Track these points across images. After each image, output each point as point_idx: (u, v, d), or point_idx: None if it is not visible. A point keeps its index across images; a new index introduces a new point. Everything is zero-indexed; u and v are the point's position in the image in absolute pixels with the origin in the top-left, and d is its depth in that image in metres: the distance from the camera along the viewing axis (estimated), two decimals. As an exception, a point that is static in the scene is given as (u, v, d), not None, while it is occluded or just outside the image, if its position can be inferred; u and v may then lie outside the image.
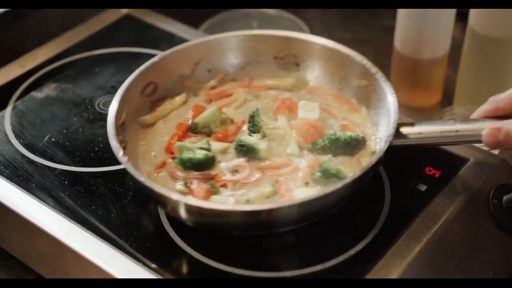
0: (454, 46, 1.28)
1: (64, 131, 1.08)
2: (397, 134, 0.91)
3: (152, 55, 1.23)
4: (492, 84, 1.22)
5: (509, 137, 0.85)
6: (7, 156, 1.04)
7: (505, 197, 0.96)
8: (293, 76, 1.10)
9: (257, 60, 1.11)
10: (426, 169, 0.99)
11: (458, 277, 0.89)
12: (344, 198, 0.89)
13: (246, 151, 0.97)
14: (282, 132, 1.01)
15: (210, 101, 1.08)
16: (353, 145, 0.97)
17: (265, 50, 1.10)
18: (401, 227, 0.92)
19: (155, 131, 1.03)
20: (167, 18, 1.33)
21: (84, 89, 1.17)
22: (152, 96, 1.06)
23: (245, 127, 1.02)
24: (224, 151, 0.99)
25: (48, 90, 1.17)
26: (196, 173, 0.96)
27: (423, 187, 0.97)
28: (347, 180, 0.85)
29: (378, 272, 0.87)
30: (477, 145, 1.00)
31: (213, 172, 0.96)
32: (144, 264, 0.88)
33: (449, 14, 1.21)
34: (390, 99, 0.96)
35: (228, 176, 0.95)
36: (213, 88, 1.10)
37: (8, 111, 1.13)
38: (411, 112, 1.27)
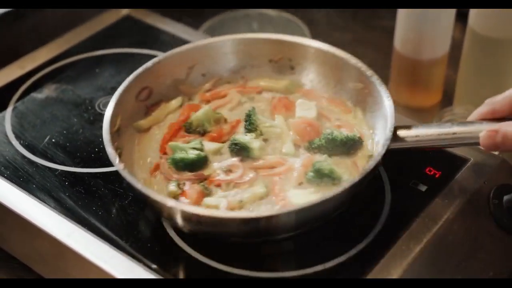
0: (454, 46, 1.28)
1: (65, 132, 1.08)
2: (395, 137, 0.91)
3: (152, 56, 1.23)
4: (492, 84, 1.22)
5: (507, 139, 0.85)
6: (7, 157, 1.04)
7: (505, 197, 0.96)
8: (287, 79, 1.10)
9: (252, 63, 1.11)
10: (426, 169, 0.99)
11: (458, 277, 0.89)
12: (343, 203, 0.89)
13: (239, 149, 0.97)
14: (279, 131, 1.01)
15: (205, 102, 1.08)
16: (349, 145, 0.97)
17: (259, 53, 1.10)
18: (402, 227, 0.92)
19: (151, 136, 1.02)
20: (167, 19, 1.33)
21: (84, 90, 1.17)
22: (147, 101, 1.05)
23: (240, 127, 1.02)
24: (217, 151, 0.99)
25: (48, 91, 1.17)
26: (189, 173, 0.95)
27: (423, 187, 0.97)
28: (346, 184, 0.85)
29: (379, 272, 0.87)
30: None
31: (206, 172, 0.96)
32: (145, 265, 0.88)
33: (449, 14, 1.21)
34: (386, 102, 0.96)
35: (221, 176, 0.95)
36: (208, 91, 1.09)
37: (8, 112, 1.13)
38: (411, 112, 1.27)
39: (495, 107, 0.90)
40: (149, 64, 1.04)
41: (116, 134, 0.96)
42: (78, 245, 0.91)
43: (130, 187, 0.89)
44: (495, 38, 1.17)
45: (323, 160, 0.94)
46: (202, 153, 0.97)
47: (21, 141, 1.07)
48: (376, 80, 0.99)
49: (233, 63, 1.10)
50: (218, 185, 0.94)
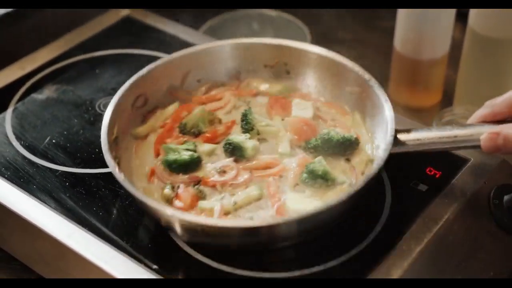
0: (454, 46, 1.28)
1: (65, 132, 1.09)
2: (396, 141, 0.91)
3: (152, 57, 1.23)
4: (492, 84, 1.22)
5: (508, 141, 0.85)
6: (8, 158, 1.04)
7: (505, 197, 0.96)
8: (282, 84, 1.09)
9: (247, 68, 1.10)
10: (427, 170, 0.99)
11: (458, 277, 0.89)
12: (347, 210, 0.88)
13: (233, 149, 0.97)
14: (275, 129, 1.00)
15: (200, 105, 1.07)
16: (346, 146, 0.96)
17: (254, 58, 1.09)
18: (402, 228, 0.92)
19: (148, 144, 1.02)
20: (167, 19, 1.33)
21: (85, 90, 1.17)
22: (143, 108, 1.05)
23: (235, 128, 1.02)
24: (211, 153, 0.99)
25: (48, 92, 1.17)
26: (184, 176, 0.95)
27: (423, 188, 0.97)
28: (351, 190, 0.84)
29: (379, 272, 0.87)
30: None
31: (200, 174, 0.96)
32: (145, 265, 0.88)
33: (449, 14, 1.21)
34: (386, 106, 0.95)
35: (216, 177, 0.95)
36: (203, 94, 1.09)
37: (9, 113, 1.13)
38: (411, 112, 1.27)
39: (494, 109, 0.90)
40: (144, 71, 1.04)
41: (114, 143, 0.96)
42: (79, 245, 0.91)
43: (130, 197, 0.89)
44: (495, 38, 1.17)
45: (317, 161, 0.93)
46: (195, 154, 0.97)
47: (22, 142, 1.07)
48: (374, 83, 0.99)
49: (228, 69, 1.10)
50: (213, 186, 0.94)
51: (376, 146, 0.98)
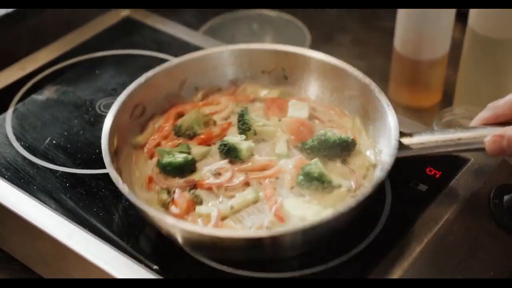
0: (454, 47, 1.28)
1: (65, 133, 1.09)
2: (400, 145, 0.91)
3: (152, 57, 1.23)
4: (492, 84, 1.22)
5: None
6: (8, 159, 1.04)
7: (505, 197, 0.96)
8: (279, 90, 1.08)
9: (245, 74, 1.09)
10: (427, 170, 0.99)
11: (458, 277, 0.89)
12: (355, 216, 0.88)
13: (228, 150, 0.96)
14: (272, 129, 1.00)
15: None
16: (342, 147, 0.96)
17: (252, 64, 1.08)
18: (402, 228, 0.92)
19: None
20: (167, 20, 1.33)
21: (85, 91, 1.17)
22: (142, 118, 1.04)
23: (231, 130, 1.02)
24: (205, 155, 0.98)
25: (49, 93, 1.17)
26: (180, 180, 0.95)
27: (423, 188, 0.97)
28: (360, 197, 0.84)
29: (380, 272, 0.87)
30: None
31: (196, 177, 0.95)
32: (146, 266, 0.88)
33: (449, 14, 1.21)
34: (388, 111, 0.95)
35: (211, 180, 0.94)
36: (200, 100, 1.08)
37: (9, 113, 1.13)
38: (411, 112, 1.27)
39: (497, 112, 0.90)
40: (141, 79, 1.02)
41: (115, 155, 0.95)
42: (79, 246, 0.91)
43: (136, 209, 0.88)
44: (495, 38, 1.17)
45: (313, 163, 0.93)
46: (189, 156, 0.96)
47: (22, 143, 1.07)
48: (375, 88, 0.98)
49: (225, 75, 1.09)
50: (209, 189, 0.93)
51: (379, 150, 0.97)
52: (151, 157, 0.99)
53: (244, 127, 1.00)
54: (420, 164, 1.00)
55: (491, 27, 1.17)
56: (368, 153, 0.98)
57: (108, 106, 1.13)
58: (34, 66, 1.22)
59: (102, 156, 1.03)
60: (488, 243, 0.93)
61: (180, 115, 1.04)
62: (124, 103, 0.99)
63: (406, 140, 0.92)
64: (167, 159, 0.95)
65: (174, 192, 0.93)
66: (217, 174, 0.95)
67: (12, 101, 1.15)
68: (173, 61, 1.06)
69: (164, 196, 0.93)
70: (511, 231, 0.95)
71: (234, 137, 0.98)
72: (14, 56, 1.24)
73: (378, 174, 0.92)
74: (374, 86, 0.99)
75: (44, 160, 1.04)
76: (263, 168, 0.96)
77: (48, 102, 1.15)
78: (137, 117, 1.03)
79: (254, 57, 1.08)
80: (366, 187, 0.92)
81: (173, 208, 0.91)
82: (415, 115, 1.25)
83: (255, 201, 0.92)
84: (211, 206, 0.91)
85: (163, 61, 1.22)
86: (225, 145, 0.97)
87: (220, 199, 0.92)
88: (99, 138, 1.06)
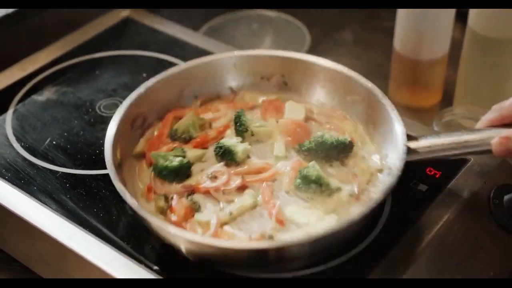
0: (453, 47, 1.28)
1: (65, 134, 1.09)
2: (408, 150, 0.90)
3: (153, 58, 1.23)
4: (492, 84, 1.22)
5: None
6: (8, 159, 1.04)
7: (505, 197, 0.96)
8: (280, 96, 1.07)
9: (244, 81, 1.08)
10: (427, 170, 0.99)
11: (458, 277, 0.89)
12: (368, 222, 0.87)
13: (223, 153, 0.96)
14: (270, 129, 1.00)
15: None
16: (340, 149, 0.96)
17: (251, 71, 1.07)
18: (402, 228, 0.92)
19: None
20: (167, 20, 1.33)
21: (85, 92, 1.17)
22: (142, 127, 1.02)
23: (228, 132, 1.01)
24: (200, 158, 0.98)
25: (49, 93, 1.17)
26: (177, 185, 0.94)
27: (423, 188, 0.97)
28: (372, 203, 0.84)
29: (380, 272, 0.87)
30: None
31: (192, 181, 0.94)
32: (146, 266, 0.88)
33: (449, 14, 1.21)
34: (393, 115, 0.94)
35: (207, 183, 0.93)
36: (199, 106, 1.07)
37: (9, 114, 1.13)
38: (411, 112, 1.27)
39: (503, 113, 0.90)
40: (141, 90, 1.01)
41: (119, 168, 0.93)
42: (79, 247, 0.91)
43: (143, 222, 0.88)
44: (494, 38, 1.17)
45: (311, 166, 0.92)
46: (185, 160, 0.95)
47: (22, 144, 1.07)
48: (378, 92, 0.98)
49: (225, 82, 1.08)
50: (206, 193, 0.93)
51: (384, 155, 0.96)
52: (150, 164, 0.98)
53: (241, 128, 0.99)
54: (420, 164, 1.00)
55: (491, 27, 1.17)
56: (373, 157, 0.97)
57: (108, 107, 1.13)
58: (34, 66, 1.22)
59: (102, 157, 1.03)
60: (488, 243, 0.93)
61: (178, 119, 1.04)
62: (125, 115, 0.98)
63: (412, 144, 0.91)
64: (162, 163, 0.95)
65: (171, 198, 0.93)
66: (213, 177, 0.94)
67: (12, 102, 1.15)
68: (173, 69, 1.05)
69: (162, 203, 0.92)
70: (511, 231, 0.95)
71: (229, 140, 0.98)
72: (14, 57, 1.24)
73: (387, 179, 0.91)
74: (377, 91, 0.98)
75: (44, 160, 1.04)
76: (259, 171, 0.95)
77: (48, 103, 1.15)
78: (138, 128, 1.02)
79: (253, 64, 1.07)
80: (374, 192, 0.92)
81: (172, 216, 0.90)
82: (415, 115, 1.25)
83: (254, 206, 0.91)
84: (209, 213, 0.90)
85: (163, 61, 1.22)
86: (220, 147, 0.96)
87: (221, 205, 0.91)
88: (99, 138, 1.06)
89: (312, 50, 1.43)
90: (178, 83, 1.05)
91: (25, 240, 0.99)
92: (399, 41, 1.25)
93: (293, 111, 1.03)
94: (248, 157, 0.97)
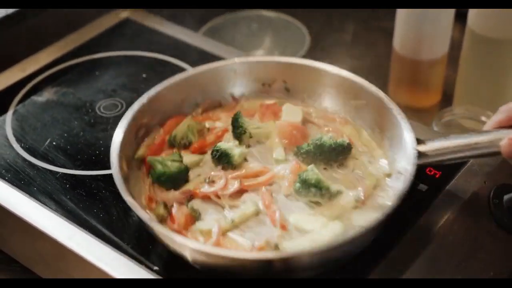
0: (453, 47, 1.28)
1: (65, 134, 1.09)
2: (418, 154, 0.90)
3: (152, 58, 1.23)
4: (492, 84, 1.22)
5: None
6: (8, 160, 1.04)
7: (505, 197, 0.96)
8: (282, 102, 1.06)
9: (245, 88, 1.07)
10: (427, 170, 0.99)
11: (458, 277, 0.89)
12: (382, 228, 0.86)
13: (220, 156, 0.95)
14: (268, 130, 0.99)
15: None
16: (338, 151, 0.95)
17: (252, 78, 1.07)
18: (402, 228, 0.92)
19: None
20: (166, 21, 1.33)
21: (85, 92, 1.17)
22: (144, 136, 1.01)
23: (227, 136, 1.01)
24: (197, 163, 0.97)
25: (48, 94, 1.17)
26: (176, 192, 0.94)
27: (423, 188, 0.97)
28: (388, 209, 0.83)
29: (379, 272, 0.87)
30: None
31: (190, 186, 0.94)
32: (146, 266, 0.88)
33: (448, 14, 1.21)
34: (401, 120, 0.94)
35: (205, 188, 0.93)
36: (200, 113, 1.07)
37: (9, 115, 1.13)
38: (411, 112, 1.27)
39: (510, 114, 0.89)
40: (144, 99, 1.00)
41: (126, 180, 0.91)
42: (79, 247, 0.91)
43: (155, 235, 0.87)
44: (494, 38, 1.17)
45: (310, 170, 0.92)
46: (182, 165, 0.95)
47: (22, 144, 1.07)
48: (384, 96, 0.97)
49: (226, 89, 1.07)
50: (205, 198, 0.93)
51: (392, 159, 0.96)
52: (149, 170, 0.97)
53: (240, 131, 0.99)
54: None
55: (491, 27, 1.17)
56: (380, 162, 0.97)
57: (108, 108, 1.13)
58: (34, 67, 1.22)
59: (102, 157, 1.04)
60: (488, 243, 0.93)
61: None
62: (129, 126, 0.97)
63: (421, 148, 0.91)
64: (160, 169, 0.94)
65: (172, 206, 0.92)
66: (211, 182, 0.94)
67: (12, 103, 1.15)
68: (175, 78, 1.04)
69: (161, 210, 0.92)
70: (511, 231, 0.95)
71: (226, 143, 0.97)
72: (14, 57, 1.24)
73: (397, 183, 0.91)
74: (382, 95, 0.98)
75: (44, 161, 1.04)
76: (257, 175, 0.95)
77: (48, 104, 1.15)
78: (142, 139, 1.01)
79: (254, 70, 1.06)
80: (382, 197, 0.92)
81: (172, 225, 0.90)
82: (415, 115, 1.25)
83: (257, 214, 0.90)
84: (210, 221, 0.90)
85: (163, 62, 1.22)
86: (217, 150, 0.96)
87: (225, 212, 0.91)
88: (99, 139, 1.07)
89: (312, 50, 1.43)
90: (180, 90, 1.04)
91: (25, 241, 0.99)
92: (398, 41, 1.25)
93: (290, 113, 1.03)
94: (246, 160, 0.97)
